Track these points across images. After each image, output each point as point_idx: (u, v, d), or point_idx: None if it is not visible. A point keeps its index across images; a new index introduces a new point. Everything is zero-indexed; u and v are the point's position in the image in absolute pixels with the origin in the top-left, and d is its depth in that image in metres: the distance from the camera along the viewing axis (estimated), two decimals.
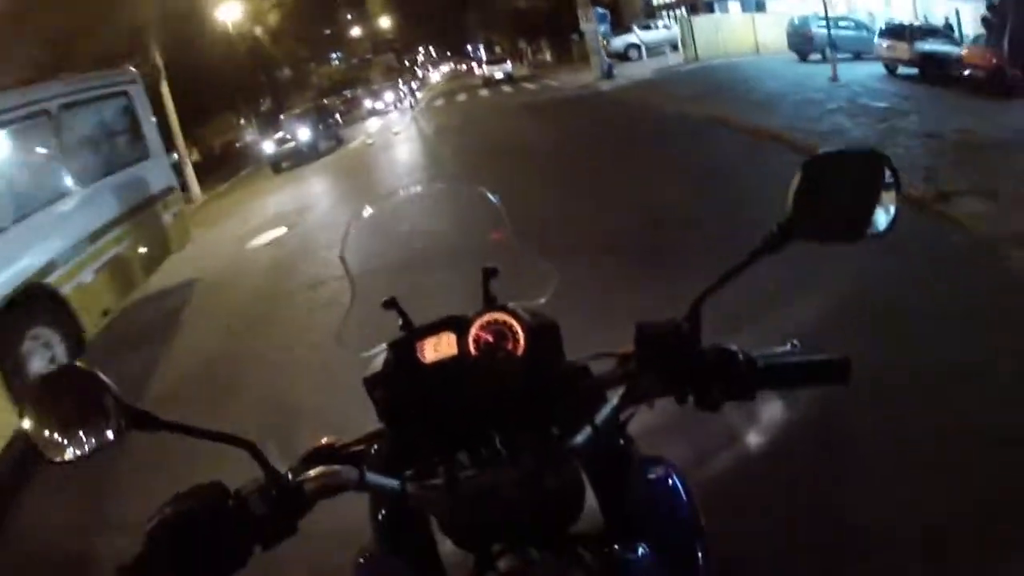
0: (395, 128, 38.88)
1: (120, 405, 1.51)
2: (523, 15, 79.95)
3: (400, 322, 2.01)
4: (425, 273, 2.99)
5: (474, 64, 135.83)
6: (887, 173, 1.60)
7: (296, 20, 68.37)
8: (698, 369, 1.63)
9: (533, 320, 1.89)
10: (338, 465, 1.62)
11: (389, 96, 64.86)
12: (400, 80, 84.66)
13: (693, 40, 40.91)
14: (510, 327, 1.87)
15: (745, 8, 45.85)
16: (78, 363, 1.58)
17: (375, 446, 1.87)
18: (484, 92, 52.30)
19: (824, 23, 27.67)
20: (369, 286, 2.22)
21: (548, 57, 79.53)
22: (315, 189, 24.78)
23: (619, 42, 49.84)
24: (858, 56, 30.39)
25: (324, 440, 1.86)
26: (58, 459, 1.54)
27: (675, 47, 45.59)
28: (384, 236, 2.49)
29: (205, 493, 1.53)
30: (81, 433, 1.54)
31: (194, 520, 1.47)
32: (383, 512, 1.88)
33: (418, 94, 75.53)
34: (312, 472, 1.60)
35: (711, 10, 47.15)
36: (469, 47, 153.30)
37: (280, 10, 64.14)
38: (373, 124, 47.45)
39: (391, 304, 2.03)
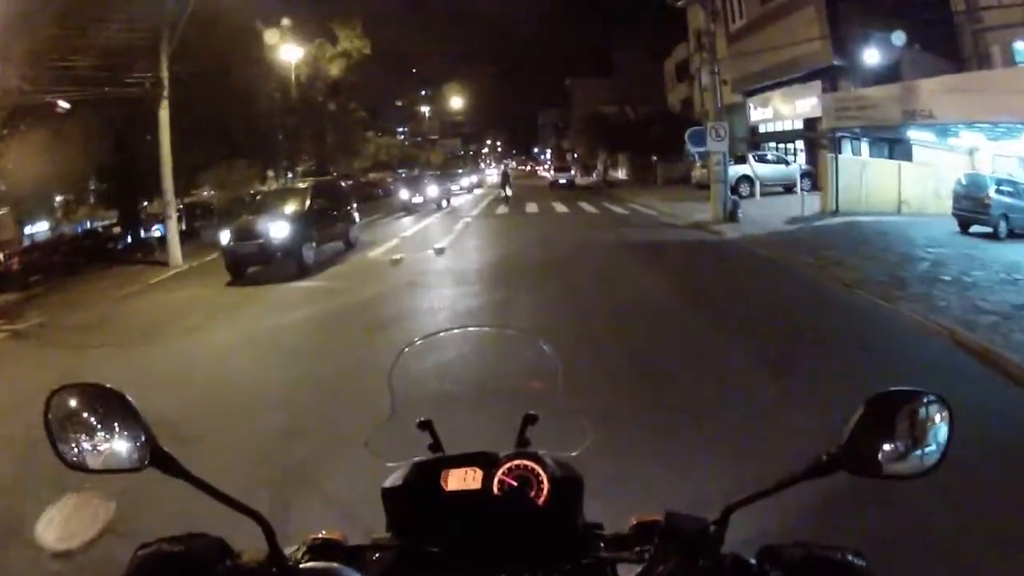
0: (438, 242, 26.90)
1: (148, 441, 1.55)
2: (608, 123, 71.74)
3: (430, 443, 2.11)
4: (468, 412, 2.92)
5: (539, 167, 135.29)
6: (945, 413, 1.61)
7: (363, 78, 62.08)
8: (711, 572, 1.55)
9: (560, 472, 1.89)
10: (341, 565, 1.63)
11: (437, 189, 55.61)
12: (460, 170, 77.62)
13: (836, 184, 31.30)
14: (536, 475, 1.87)
15: (894, 153, 36.59)
16: (125, 394, 1.60)
17: (377, 554, 1.81)
18: (561, 208, 42.65)
19: (1008, 187, 25.39)
20: (408, 410, 2.24)
21: (621, 174, 70.66)
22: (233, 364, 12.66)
23: (730, 173, 39.39)
24: None
25: (328, 533, 1.82)
26: (72, 463, 1.58)
27: (791, 187, 38.44)
28: (437, 371, 2.60)
29: (204, 545, 1.52)
30: (103, 450, 1.58)
31: (187, 566, 1.47)
32: None
33: (477, 191, 67.91)
34: (314, 564, 1.65)
35: (836, 148, 37.39)
36: (537, 148, 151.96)
37: (346, 62, 57.03)
38: (409, 225, 36.68)
39: (426, 425, 2.13)
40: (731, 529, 1.61)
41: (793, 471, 1.59)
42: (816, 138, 40.18)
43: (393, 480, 1.94)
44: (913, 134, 33.38)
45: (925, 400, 1.62)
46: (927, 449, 1.59)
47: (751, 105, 49.78)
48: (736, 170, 39.01)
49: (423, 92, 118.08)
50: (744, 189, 39.51)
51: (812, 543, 1.52)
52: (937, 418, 1.61)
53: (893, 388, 1.60)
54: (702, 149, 34.43)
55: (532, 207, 43.16)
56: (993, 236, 24.03)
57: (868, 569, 1.48)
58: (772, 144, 48.73)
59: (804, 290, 16.60)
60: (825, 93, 38.56)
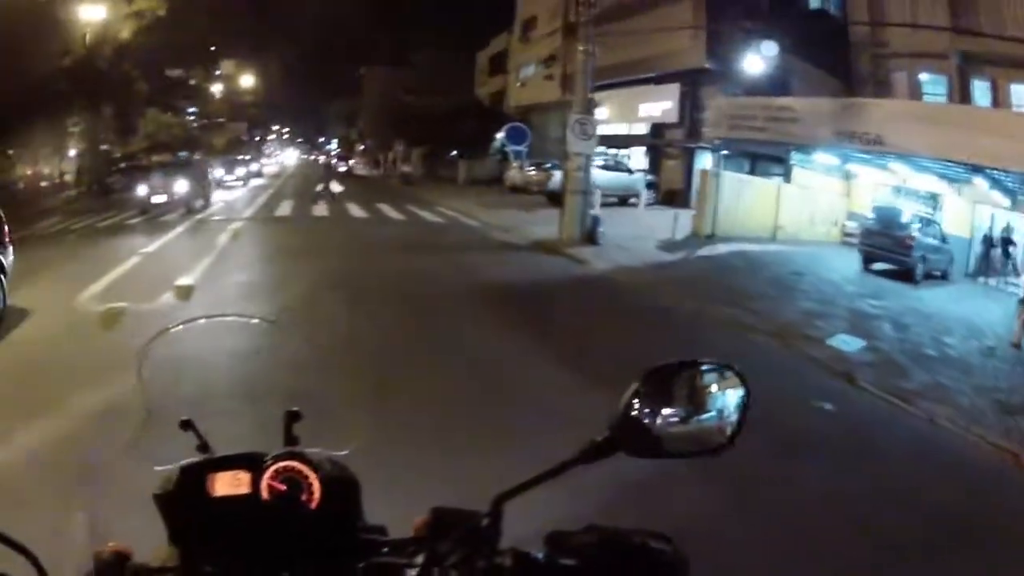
0: (186, 270, 17.12)
1: None
2: (405, 112, 63.90)
3: (198, 443, 1.90)
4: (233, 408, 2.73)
5: (322, 156, 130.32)
6: (734, 382, 1.55)
7: (154, 45, 52.43)
8: (494, 571, 1.46)
9: (332, 472, 1.78)
10: None
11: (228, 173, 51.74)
12: (244, 156, 69.51)
13: (716, 204, 25.80)
14: (305, 476, 1.73)
15: (757, 171, 33.32)
16: None
17: (159, 568, 1.68)
18: (357, 211, 33.72)
19: (927, 227, 25.45)
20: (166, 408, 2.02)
21: (411, 168, 62.30)
22: None
23: (560, 178, 33.30)
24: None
25: (113, 547, 1.64)
26: None
27: (626, 199, 35.36)
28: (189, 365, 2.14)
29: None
30: None
31: None
32: None
33: (256, 181, 59.81)
34: None
35: (690, 158, 34.70)
36: (324, 137, 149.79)
37: (138, 23, 48.77)
38: (149, 237, 24.29)
39: (187, 425, 1.92)
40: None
41: (567, 455, 1.45)
42: (667, 146, 38.12)
43: (162, 485, 1.76)
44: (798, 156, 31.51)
45: (706, 368, 1.56)
46: (710, 422, 1.52)
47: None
48: (557, 175, 33.41)
49: (216, 72, 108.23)
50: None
51: (607, 526, 1.44)
52: (715, 387, 1.54)
53: (673, 360, 1.52)
54: (520, 148, 32.50)
55: (320, 208, 34.76)
56: (905, 276, 23.22)
57: (674, 551, 1.40)
58: (605, 149, 42.43)
59: (782, 384, 10.69)
60: (685, 98, 36.97)
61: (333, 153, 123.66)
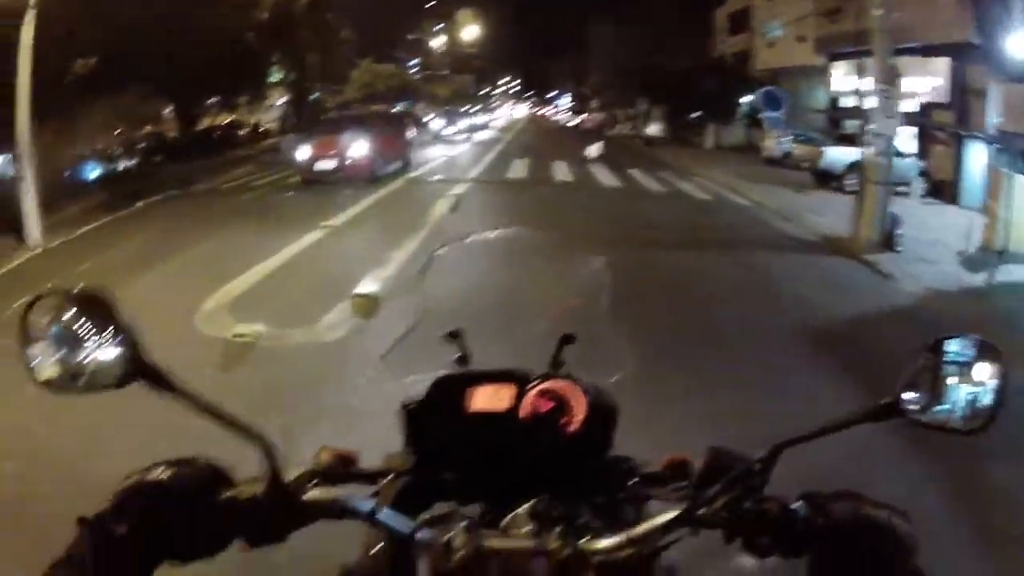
0: (366, 271, 11.64)
1: (134, 353, 1.30)
2: (648, 70, 56.65)
3: (458, 355, 1.84)
4: (499, 327, 2.18)
5: (551, 112, 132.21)
6: (999, 367, 1.41)
7: None
8: (755, 514, 1.41)
9: (597, 398, 1.66)
10: (353, 491, 1.51)
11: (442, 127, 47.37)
12: (471, 107, 64.38)
13: (1010, 212, 17.75)
14: (570, 400, 1.64)
15: None
16: (106, 298, 1.33)
17: (392, 475, 1.63)
18: (605, 177, 27.13)
19: None
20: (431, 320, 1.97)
21: (654, 130, 54.59)
22: None
23: (834, 156, 28.02)
24: None
25: (338, 450, 1.63)
26: (46, 382, 1.33)
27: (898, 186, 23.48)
28: (470, 278, 2.27)
29: (198, 470, 1.40)
30: (82, 365, 1.33)
31: (178, 493, 1.34)
32: (379, 546, 1.56)
33: (481, 135, 54.26)
34: (322, 492, 1.45)
35: (959, 146, 28.04)
36: (552, 94, 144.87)
37: None
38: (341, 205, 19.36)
39: (455, 335, 1.86)
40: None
41: (847, 414, 1.36)
42: (938, 130, 30.56)
43: (413, 396, 1.68)
44: None
45: (981, 349, 1.41)
46: (981, 402, 1.39)
47: (832, 72, 37.69)
48: (842, 155, 27.09)
49: (439, 25, 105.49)
50: (851, 181, 24.93)
51: (855, 495, 1.40)
52: (992, 370, 1.40)
53: (952, 335, 1.41)
54: (777, 115, 29.90)
55: (561, 170, 28.69)
56: None
57: (911, 532, 1.36)
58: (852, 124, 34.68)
59: None
60: (956, 76, 29.61)
61: (564, 108, 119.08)
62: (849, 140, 27.47)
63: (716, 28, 62.88)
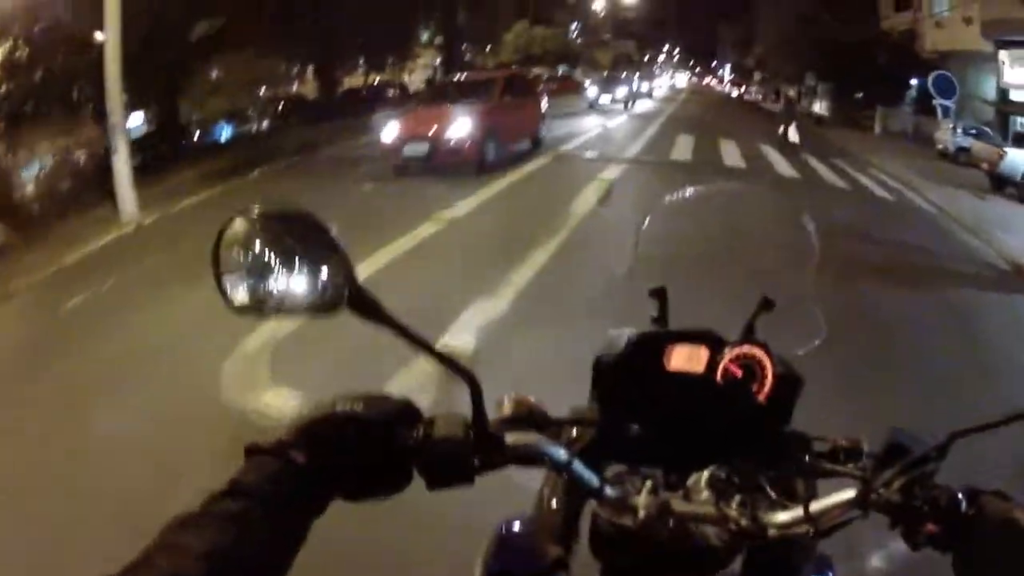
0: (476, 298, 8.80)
1: (348, 278, 1.25)
2: (818, 39, 51.31)
3: (655, 315, 1.85)
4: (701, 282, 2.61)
5: (716, 82, 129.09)
6: None
7: None
8: (926, 502, 1.36)
9: (785, 369, 1.67)
10: (544, 438, 1.45)
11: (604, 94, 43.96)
12: (632, 73, 60.24)
13: None
14: (763, 367, 1.64)
15: None
16: (308, 212, 1.27)
17: (576, 429, 1.63)
18: (781, 164, 23.15)
19: None
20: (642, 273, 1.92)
21: (820, 108, 49.68)
22: None
23: (1014, 160, 23.44)
24: None
25: (523, 398, 1.55)
26: (247, 305, 1.26)
27: None
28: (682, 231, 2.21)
29: (389, 404, 1.36)
30: (287, 290, 1.26)
31: (364, 427, 1.29)
32: (557, 498, 1.73)
33: (645, 104, 50.64)
34: (520, 435, 1.42)
35: None
36: (716, 63, 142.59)
37: None
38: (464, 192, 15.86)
39: (659, 293, 1.86)
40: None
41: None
42: None
43: (609, 349, 1.67)
44: None
45: None
46: None
47: (1003, 60, 34.48)
48: (1016, 155, 23.28)
49: None
50: None
51: (1006, 496, 1.33)
52: None
53: None
54: (949, 103, 30.17)
55: (730, 152, 25.13)
56: None
57: None
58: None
59: None
60: None
61: (726, 78, 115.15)
62: None
63: (880, 4, 57.82)
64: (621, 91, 44.50)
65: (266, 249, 1.23)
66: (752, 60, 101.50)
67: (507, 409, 1.50)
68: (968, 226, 16.44)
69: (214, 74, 28.17)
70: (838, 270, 9.31)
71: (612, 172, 18.13)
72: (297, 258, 1.22)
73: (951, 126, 30.71)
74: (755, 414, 1.60)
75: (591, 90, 43.96)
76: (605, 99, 42.84)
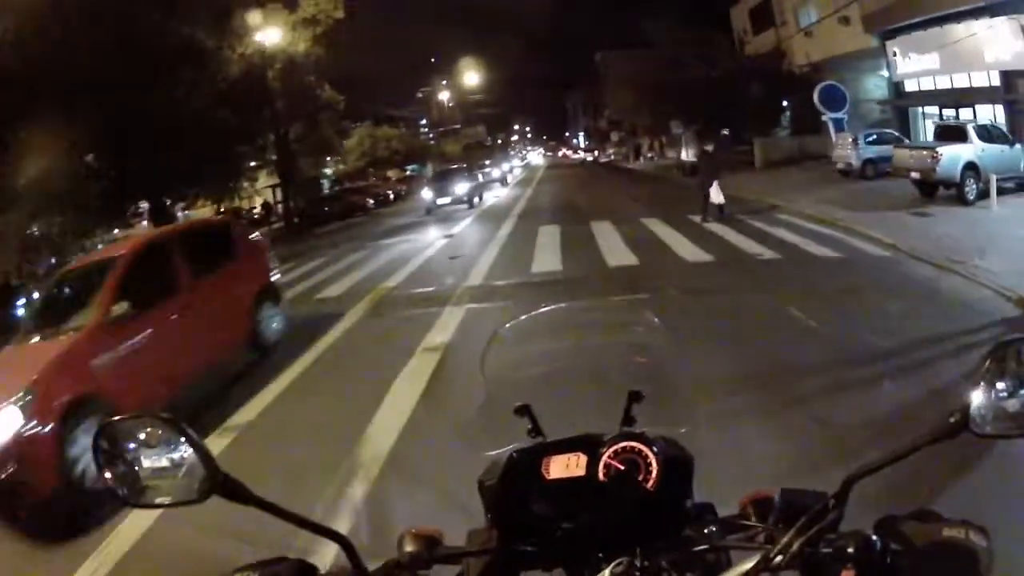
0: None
1: (208, 467, 1.37)
2: (682, 88, 45.92)
3: (529, 428, 1.84)
4: (566, 391, 2.22)
5: (569, 151, 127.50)
6: None
7: (338, 52, 43.39)
8: (834, 552, 1.38)
9: (669, 452, 1.69)
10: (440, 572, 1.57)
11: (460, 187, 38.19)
12: (484, 163, 58.09)
13: None
14: (644, 457, 1.65)
15: None
16: (165, 415, 1.42)
17: (476, 553, 1.64)
18: (672, 242, 17.58)
19: None
20: (503, 392, 1.97)
21: (685, 155, 44.74)
22: None
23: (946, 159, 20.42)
24: None
25: (421, 530, 1.65)
26: (132, 502, 1.43)
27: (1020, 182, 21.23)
28: (534, 350, 2.25)
29: (286, 569, 1.43)
30: (162, 484, 1.41)
31: None
32: None
33: (497, 191, 47.61)
34: None
35: None
36: (568, 132, 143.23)
37: (312, 31, 40.41)
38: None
39: (523, 411, 1.86)
40: None
41: (914, 437, 1.37)
42: None
43: (490, 470, 1.73)
44: None
45: None
46: None
47: (894, 52, 33.02)
48: (952, 155, 20.14)
49: (442, 81, 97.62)
50: (971, 188, 19.96)
51: (932, 514, 1.39)
52: None
53: (1015, 336, 1.38)
54: (841, 115, 29.80)
55: (609, 238, 19.25)
56: None
57: (988, 548, 1.32)
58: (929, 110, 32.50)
59: None
60: None
61: (581, 146, 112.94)
62: (955, 133, 21.64)
63: (737, 31, 55.28)
64: (461, 186, 38.08)
65: (134, 450, 1.37)
66: (605, 121, 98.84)
67: (408, 546, 1.56)
68: (936, 262, 13.12)
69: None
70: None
71: (447, 326, 11.73)
72: (168, 454, 1.35)
73: (851, 139, 28.38)
74: (646, 502, 1.57)
75: (424, 193, 38.48)
76: (443, 200, 36.89)
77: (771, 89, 40.23)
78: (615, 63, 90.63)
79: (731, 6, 55.04)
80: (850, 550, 1.31)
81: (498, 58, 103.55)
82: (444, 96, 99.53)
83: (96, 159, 28.61)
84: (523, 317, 2.19)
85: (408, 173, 62.19)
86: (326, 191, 55.04)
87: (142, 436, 1.38)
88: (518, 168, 78.33)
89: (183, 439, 1.35)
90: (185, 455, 1.36)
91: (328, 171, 59.99)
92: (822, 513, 1.38)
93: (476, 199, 38.74)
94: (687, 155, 42.76)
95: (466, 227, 28.10)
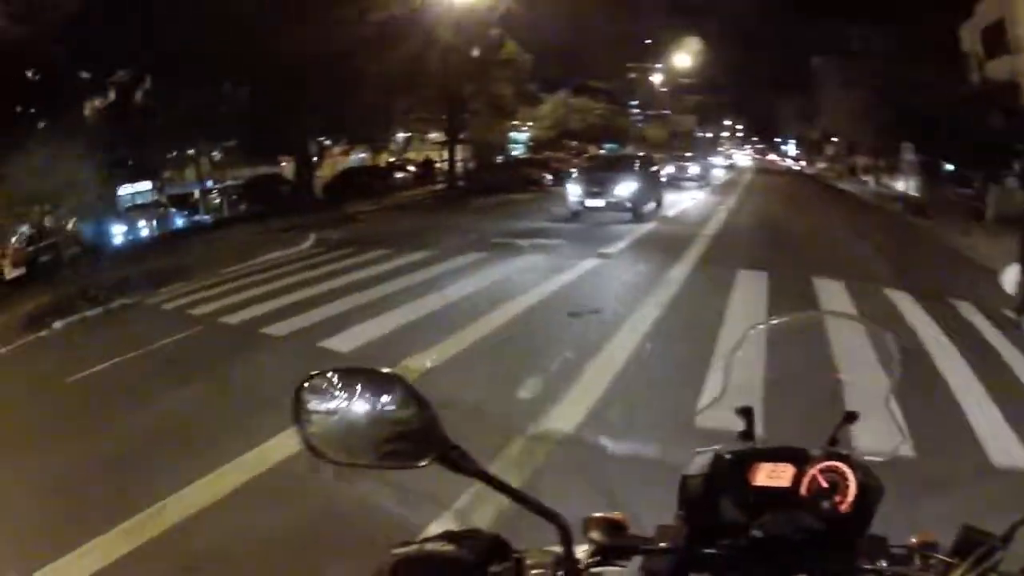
0: None
1: (437, 435, 1.33)
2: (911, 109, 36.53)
3: (742, 430, 1.78)
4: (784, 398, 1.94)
5: (776, 157, 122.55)
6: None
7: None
8: None
9: (868, 478, 1.59)
10: (635, 569, 1.49)
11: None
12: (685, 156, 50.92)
13: None
14: (845, 480, 1.57)
15: None
16: (388, 371, 1.36)
17: (665, 547, 1.55)
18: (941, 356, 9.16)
19: None
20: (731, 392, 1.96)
21: (904, 186, 38.33)
22: None
23: None
24: None
25: (606, 517, 1.54)
26: (339, 461, 1.35)
27: None
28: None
29: (474, 544, 1.35)
30: (380, 446, 1.33)
31: (455, 564, 1.30)
32: None
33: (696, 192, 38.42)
34: (607, 570, 1.47)
35: None
36: (779, 138, 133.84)
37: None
38: None
39: (746, 412, 1.80)
40: None
41: None
42: None
43: (696, 468, 1.61)
44: None
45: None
46: None
47: None
48: None
49: (655, 64, 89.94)
50: None
51: (979, 529, 1.40)
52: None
53: None
54: None
55: (854, 345, 8.37)
56: None
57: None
58: None
59: None
60: None
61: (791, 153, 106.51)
62: None
63: (966, 52, 42.61)
64: (625, 186, 25.11)
65: (347, 403, 1.30)
66: (819, 132, 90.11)
67: (594, 534, 1.48)
68: None
69: None
70: None
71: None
72: (380, 412, 1.29)
73: None
74: (837, 525, 1.51)
75: (572, 189, 26.12)
76: (595, 202, 25.03)
77: (1010, 126, 29.91)
78: (830, 70, 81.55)
79: (955, 22, 42.51)
80: None
81: (715, 49, 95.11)
82: (656, 78, 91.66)
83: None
84: (775, 320, 2.11)
85: (602, 152, 54.79)
86: (510, 157, 48.68)
87: (356, 389, 1.30)
88: (721, 168, 67.93)
89: (409, 397, 1.29)
90: (404, 415, 1.28)
91: (519, 136, 53.39)
92: (988, 553, 1.33)
93: (649, 205, 27.09)
94: (908, 187, 34.05)
95: (622, 251, 18.42)
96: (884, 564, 1.49)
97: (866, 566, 1.47)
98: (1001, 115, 30.91)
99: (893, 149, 43.93)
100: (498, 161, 45.85)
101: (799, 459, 1.58)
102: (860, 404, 1.82)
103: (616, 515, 1.53)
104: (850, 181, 57.74)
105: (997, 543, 1.34)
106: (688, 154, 51.76)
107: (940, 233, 24.89)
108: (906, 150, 38.60)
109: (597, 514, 1.51)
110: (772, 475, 1.57)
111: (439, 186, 40.13)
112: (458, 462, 1.29)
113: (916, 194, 36.09)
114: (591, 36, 58.63)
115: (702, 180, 44.40)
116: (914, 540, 1.52)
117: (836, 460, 1.56)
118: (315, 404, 1.32)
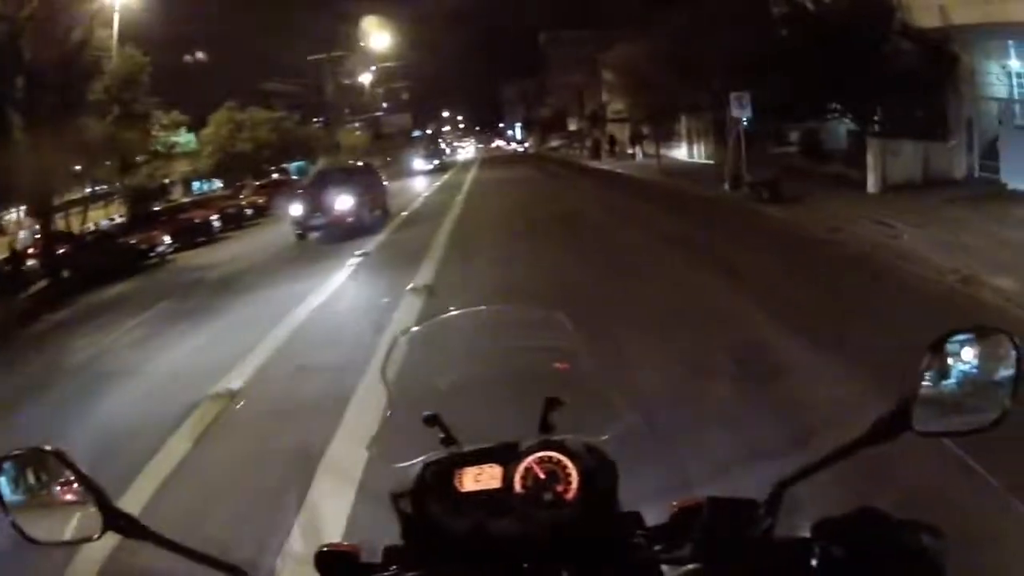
0: None
1: (102, 506, 1.31)
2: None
3: (442, 437, 1.69)
4: (481, 401, 2.10)
5: (504, 143, 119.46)
6: (1013, 354, 1.32)
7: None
8: (767, 561, 1.31)
9: (591, 460, 1.55)
10: None
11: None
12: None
13: None
14: (563, 467, 1.51)
15: None
16: (57, 449, 1.33)
17: (392, 567, 1.50)
18: None
19: None
20: (412, 402, 1.88)
21: (695, 152, 31.75)
22: None
23: None
24: None
25: (338, 547, 1.49)
26: (36, 540, 1.33)
27: None
28: (443, 357, 2.13)
29: None
30: (62, 522, 1.35)
31: None
32: None
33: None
34: None
35: None
36: (503, 123, 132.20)
37: None
38: None
39: (433, 420, 1.71)
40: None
41: (852, 436, 1.29)
42: None
43: (402, 483, 1.58)
44: None
45: (992, 339, 1.32)
46: (997, 393, 1.29)
47: None
48: None
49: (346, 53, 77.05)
50: None
51: (877, 513, 1.26)
52: (1004, 356, 1.30)
53: (954, 330, 1.30)
54: None
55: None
56: None
57: (944, 547, 1.22)
58: None
59: None
60: None
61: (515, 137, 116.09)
62: None
63: None
64: (342, 201, 22.49)
65: (27, 488, 1.28)
66: (548, 110, 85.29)
67: (325, 563, 1.43)
68: None
69: None
70: None
71: None
72: (60, 490, 1.25)
73: None
74: (569, 513, 1.43)
75: (292, 212, 23.11)
76: (317, 221, 22.37)
77: (926, 60, 18.30)
78: (561, 44, 78.75)
79: None
80: (783, 556, 1.24)
81: (422, 34, 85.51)
82: (365, 79, 78.63)
83: None
84: (426, 323, 2.02)
85: (276, 177, 39.86)
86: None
87: (29, 471, 1.30)
88: (433, 163, 58.02)
89: (71, 473, 1.27)
90: (75, 490, 1.28)
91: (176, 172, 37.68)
92: (750, 518, 1.30)
93: (376, 213, 25.20)
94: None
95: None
96: (641, 542, 1.40)
97: (621, 549, 1.38)
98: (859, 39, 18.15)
99: (673, 114, 32.89)
100: (92, 229, 29.39)
101: (507, 456, 1.49)
102: (562, 390, 1.67)
103: (346, 545, 1.45)
104: (609, 158, 45.53)
105: (756, 508, 1.28)
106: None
107: (787, 218, 16.37)
108: (735, 102, 24.66)
109: (326, 547, 1.42)
110: (479, 478, 1.49)
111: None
112: (131, 529, 1.26)
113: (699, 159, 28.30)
114: (261, 31, 44.73)
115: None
116: (673, 507, 1.42)
117: (549, 450, 1.47)
118: (12, 484, 1.29)
